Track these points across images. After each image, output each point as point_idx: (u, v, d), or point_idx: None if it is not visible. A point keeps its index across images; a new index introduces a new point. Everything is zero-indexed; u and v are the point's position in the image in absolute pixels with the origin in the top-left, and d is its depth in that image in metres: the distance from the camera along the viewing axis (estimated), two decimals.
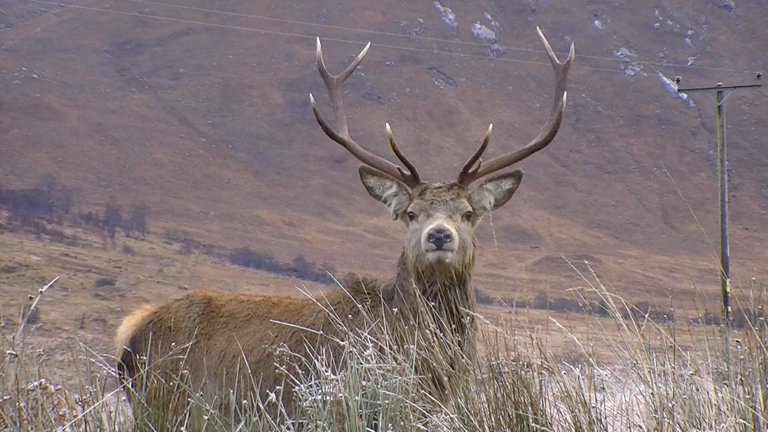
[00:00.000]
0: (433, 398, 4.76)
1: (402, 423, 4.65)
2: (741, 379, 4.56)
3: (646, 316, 4.84)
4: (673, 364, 4.70)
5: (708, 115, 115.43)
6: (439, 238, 5.02)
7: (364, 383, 4.69)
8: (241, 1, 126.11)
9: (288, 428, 4.77)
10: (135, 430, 4.84)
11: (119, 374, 5.51)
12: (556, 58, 5.67)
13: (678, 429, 4.49)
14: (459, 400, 4.64)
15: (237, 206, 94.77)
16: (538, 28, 6.36)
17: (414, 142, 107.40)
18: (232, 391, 5.00)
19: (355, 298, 5.29)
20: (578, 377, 4.68)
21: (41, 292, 4.60)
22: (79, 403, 4.73)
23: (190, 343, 5.38)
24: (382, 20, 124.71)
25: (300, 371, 4.91)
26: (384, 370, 4.72)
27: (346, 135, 5.62)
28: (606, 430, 4.57)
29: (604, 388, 5.41)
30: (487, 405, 4.61)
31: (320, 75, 5.85)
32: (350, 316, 5.19)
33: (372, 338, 4.86)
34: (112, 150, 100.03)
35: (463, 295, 5.16)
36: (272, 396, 4.73)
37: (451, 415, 4.65)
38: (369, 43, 6.59)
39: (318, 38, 6.16)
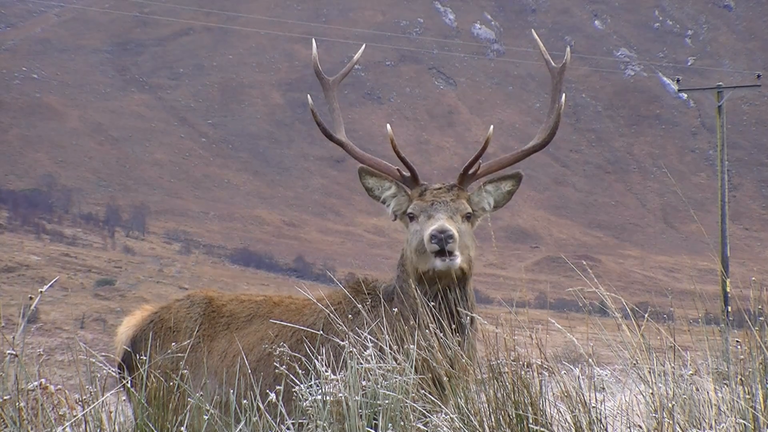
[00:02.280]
0: (433, 398, 4.76)
1: (402, 423, 4.65)
2: (741, 379, 4.57)
3: (646, 316, 4.84)
4: (673, 364, 4.70)
5: (708, 115, 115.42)
6: (442, 239, 5.02)
7: (364, 383, 4.69)
8: (241, 1, 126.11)
9: (288, 428, 4.77)
10: (135, 430, 4.85)
11: (119, 374, 5.52)
12: (551, 61, 5.67)
13: (678, 429, 4.49)
14: (459, 400, 4.64)
15: (237, 206, 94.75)
16: (533, 31, 6.37)
17: (414, 142, 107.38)
18: (232, 390, 5.01)
19: (356, 298, 5.30)
20: (578, 377, 4.68)
21: (41, 292, 4.60)
22: (79, 403, 4.73)
23: (190, 342, 5.38)
24: (382, 20, 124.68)
25: (300, 371, 4.91)
26: (384, 370, 4.72)
27: (344, 136, 5.63)
28: (606, 430, 4.57)
29: (604, 388, 5.41)
30: (487, 405, 4.61)
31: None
32: (350, 316, 5.20)
33: (372, 338, 4.86)
34: (112, 150, 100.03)
35: (463, 295, 5.16)
36: (272, 396, 4.73)
37: (451, 415, 4.66)
38: (364, 45, 6.59)
39: (314, 40, 6.16)
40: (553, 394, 4.68)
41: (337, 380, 4.70)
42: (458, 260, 5.07)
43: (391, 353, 4.79)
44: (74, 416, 4.60)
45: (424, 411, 4.71)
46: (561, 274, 75.02)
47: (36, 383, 4.69)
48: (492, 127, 5.42)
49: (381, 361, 4.76)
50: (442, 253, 5.04)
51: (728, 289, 23.34)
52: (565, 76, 5.63)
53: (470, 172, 5.37)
